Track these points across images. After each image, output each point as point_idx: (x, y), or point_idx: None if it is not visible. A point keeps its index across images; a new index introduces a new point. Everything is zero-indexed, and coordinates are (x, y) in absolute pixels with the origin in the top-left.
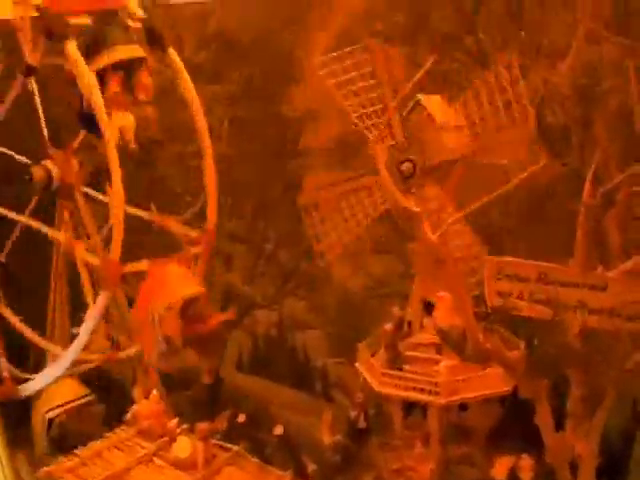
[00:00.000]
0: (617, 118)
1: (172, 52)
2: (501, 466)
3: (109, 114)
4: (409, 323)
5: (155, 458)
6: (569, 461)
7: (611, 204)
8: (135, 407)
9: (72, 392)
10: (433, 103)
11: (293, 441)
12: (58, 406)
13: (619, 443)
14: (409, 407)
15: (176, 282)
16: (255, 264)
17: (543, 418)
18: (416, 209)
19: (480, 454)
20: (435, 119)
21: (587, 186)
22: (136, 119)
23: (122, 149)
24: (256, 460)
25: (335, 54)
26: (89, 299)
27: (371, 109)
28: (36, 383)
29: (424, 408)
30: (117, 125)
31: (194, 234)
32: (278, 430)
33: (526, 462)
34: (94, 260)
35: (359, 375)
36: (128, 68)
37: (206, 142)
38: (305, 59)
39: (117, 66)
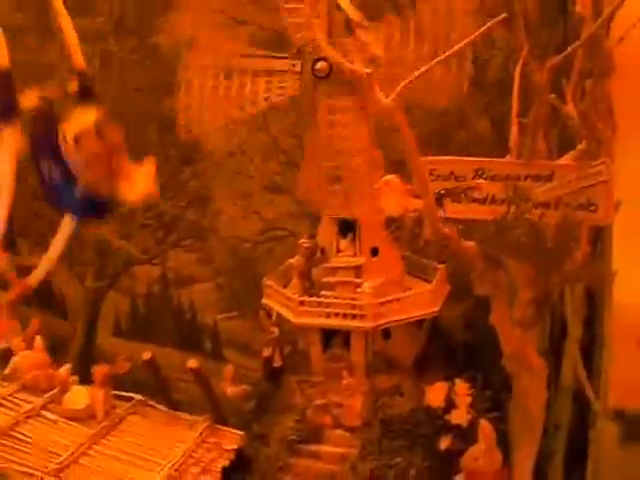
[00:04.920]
0: None
1: None
2: (435, 393)
3: None
4: (322, 250)
5: (44, 412)
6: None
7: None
8: (15, 359)
9: None
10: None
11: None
12: None
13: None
14: (327, 339)
15: None
16: (131, 214)
17: (501, 315)
18: (366, 70)
19: (410, 384)
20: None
21: (518, 69)
22: None
23: None
24: (163, 407)
25: None
26: None
27: None
28: None
29: (345, 338)
30: None
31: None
32: (192, 364)
33: (461, 387)
34: None
35: (269, 310)
36: None
37: None
38: None
39: None
